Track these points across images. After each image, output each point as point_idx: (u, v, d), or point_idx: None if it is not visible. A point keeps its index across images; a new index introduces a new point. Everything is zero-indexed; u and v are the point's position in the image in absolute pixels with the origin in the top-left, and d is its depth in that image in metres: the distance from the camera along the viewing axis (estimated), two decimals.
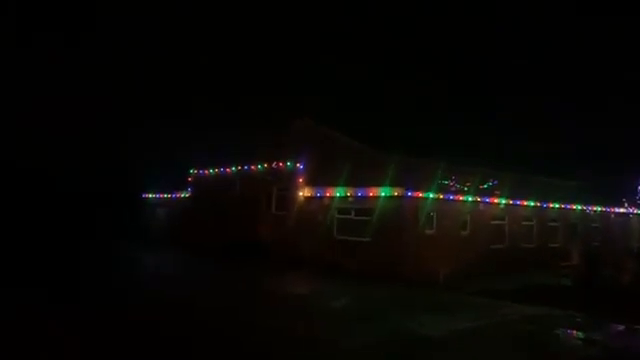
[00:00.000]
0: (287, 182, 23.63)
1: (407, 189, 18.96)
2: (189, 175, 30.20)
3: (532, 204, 24.00)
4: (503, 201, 22.74)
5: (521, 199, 23.60)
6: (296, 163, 23.40)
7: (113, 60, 60.45)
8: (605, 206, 28.22)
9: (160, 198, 33.71)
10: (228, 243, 24.93)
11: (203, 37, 62.95)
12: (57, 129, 47.43)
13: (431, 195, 19.57)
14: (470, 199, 21.26)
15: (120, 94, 56.63)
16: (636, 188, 30.88)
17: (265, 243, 23.49)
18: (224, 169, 27.72)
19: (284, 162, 23.94)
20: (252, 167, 25.83)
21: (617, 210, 29.05)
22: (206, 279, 18.34)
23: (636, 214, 30.14)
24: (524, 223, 23.80)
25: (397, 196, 19.07)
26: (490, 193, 23.00)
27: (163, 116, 52.23)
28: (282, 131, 25.62)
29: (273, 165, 24.56)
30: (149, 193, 34.84)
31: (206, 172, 29.11)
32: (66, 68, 56.11)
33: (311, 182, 22.91)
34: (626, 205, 29.66)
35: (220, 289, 15.94)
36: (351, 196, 20.78)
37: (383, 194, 19.49)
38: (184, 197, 30.77)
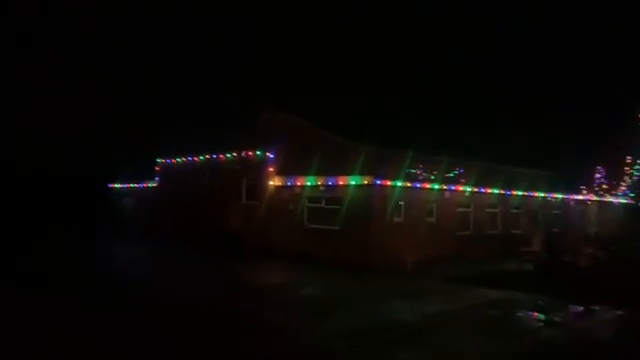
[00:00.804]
0: (257, 171, 23.56)
1: (376, 178, 19.23)
2: (157, 164, 29.71)
3: (496, 192, 24.72)
4: (468, 189, 23.32)
5: (486, 187, 24.24)
6: (266, 152, 23.34)
7: (79, 46, 58.51)
8: (565, 194, 29.29)
9: (127, 188, 33.07)
10: (198, 233, 24.75)
11: (173, 24, 61.57)
12: (20, 118, 45.72)
13: (399, 184, 19.93)
14: (437, 187, 21.73)
15: (87, 84, 54.92)
16: (594, 176, 32.19)
17: (236, 233, 23.42)
18: (192, 158, 27.38)
19: (254, 151, 23.84)
20: (221, 156, 25.60)
21: (576, 197, 30.19)
22: (175, 269, 18.21)
23: (594, 201, 31.41)
24: (488, 210, 24.49)
25: (367, 185, 19.32)
26: (456, 181, 23.57)
27: (129, 104, 51.03)
28: (252, 120, 25.46)
29: (243, 154, 24.42)
30: (115, 183, 34.12)
31: (174, 161, 28.69)
32: (30, 53, 53.96)
33: (282, 171, 22.93)
34: (584, 193, 30.88)
35: (190, 279, 15.87)
36: (322, 185, 20.92)
37: (353, 183, 19.71)
38: (152, 187, 30.28)
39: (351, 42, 57.99)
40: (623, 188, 24.53)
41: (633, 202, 25.89)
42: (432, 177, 22.82)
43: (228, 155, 25.18)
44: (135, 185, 32.14)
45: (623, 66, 54.21)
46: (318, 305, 12.15)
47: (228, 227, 23.94)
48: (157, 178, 29.80)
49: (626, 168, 22.29)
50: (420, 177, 22.62)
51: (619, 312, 12.00)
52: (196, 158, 27.13)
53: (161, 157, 29.48)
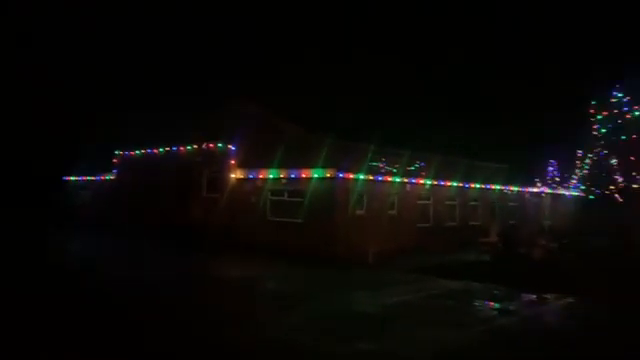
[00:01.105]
0: (219, 164, 23.28)
1: (339, 171, 19.34)
2: (115, 156, 28.91)
3: (455, 185, 25.29)
4: (429, 182, 23.77)
5: (445, 180, 24.77)
6: (228, 144, 23.08)
7: (33, 33, 55.98)
8: (521, 186, 30.26)
9: (83, 180, 32.05)
10: (158, 227, 24.27)
11: (135, 12, 59.71)
12: None
13: (362, 176, 20.11)
14: (398, 180, 22.04)
15: (41, 73, 52.64)
16: (547, 169, 33.41)
17: (197, 226, 23.09)
18: (152, 150, 26.79)
19: (215, 143, 23.53)
20: (182, 148, 25.15)
21: (531, 190, 31.25)
22: (132, 263, 17.80)
23: (547, 194, 32.59)
24: (448, 203, 25.05)
25: (329, 177, 19.40)
26: (417, 175, 23.97)
27: (87, 94, 49.24)
28: (214, 112, 25.09)
29: (204, 146, 24.06)
30: (71, 175, 33.00)
31: (133, 153, 28.00)
32: None
33: (244, 164, 22.73)
34: (539, 185, 32.01)
35: (148, 273, 15.54)
36: (284, 178, 20.88)
37: (316, 175, 19.75)
38: (110, 179, 29.47)
39: (315, 36, 57.85)
40: (574, 181, 25.59)
41: (584, 195, 27.01)
42: (394, 170, 23.15)
43: (189, 147, 24.78)
44: (92, 178, 31.21)
45: (575, 62, 56.27)
46: (281, 298, 12.15)
47: (188, 221, 23.58)
48: (115, 170, 29.03)
49: (577, 162, 23.24)
50: (382, 170, 22.91)
51: (569, 300, 12.54)
52: (156, 150, 26.57)
53: (119, 149, 28.72)
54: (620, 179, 20.67)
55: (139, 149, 27.51)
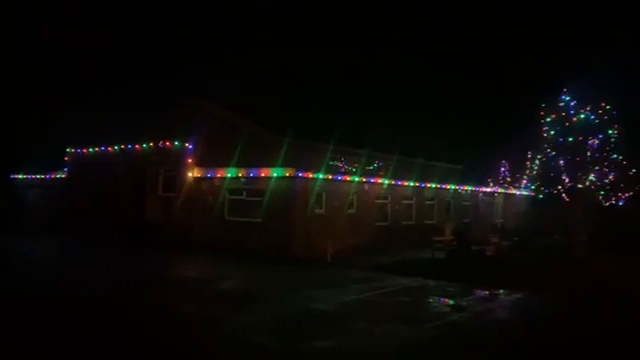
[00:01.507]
0: (175, 163, 22.86)
1: (298, 170, 19.38)
2: (66, 154, 27.90)
3: (412, 184, 25.80)
4: (386, 181, 24.16)
5: (402, 180, 25.24)
6: (185, 143, 22.70)
7: None
8: (474, 186, 31.19)
9: (32, 179, 30.74)
10: (112, 227, 23.59)
11: (90, 9, 57.68)
12: None
13: (321, 176, 20.23)
14: (357, 179, 22.30)
15: None
16: (500, 170, 34.60)
17: (152, 226, 22.62)
18: (106, 148, 26.00)
19: (172, 142, 23.10)
20: (137, 146, 24.54)
21: (484, 190, 32.26)
22: (84, 264, 17.25)
23: (500, 193, 33.73)
24: (405, 202, 25.52)
25: (289, 177, 19.41)
26: (375, 174, 24.34)
27: (38, 88, 47.21)
28: (170, 110, 24.62)
29: (160, 144, 23.57)
30: (19, 174, 31.59)
31: (85, 151, 27.10)
32: None
33: (201, 162, 22.42)
34: (491, 185, 33.08)
35: (101, 274, 15.11)
36: (243, 177, 20.74)
37: (275, 175, 19.72)
38: (60, 178, 28.41)
39: (272, 34, 57.65)
40: (524, 181, 26.60)
41: (534, 194, 28.12)
42: (354, 170, 23.44)
43: (144, 145, 24.21)
44: (42, 176, 29.99)
45: (526, 66, 58.42)
46: (237, 297, 12.08)
47: (144, 221, 23.08)
48: (66, 169, 28.02)
49: (527, 163, 24.15)
50: (342, 170, 23.16)
51: (518, 295, 13.05)
52: (110, 148, 25.81)
53: (71, 146, 27.73)
54: (567, 179, 21.60)
55: (92, 147, 26.66)
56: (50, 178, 29.33)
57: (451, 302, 12.10)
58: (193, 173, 22.38)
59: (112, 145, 25.60)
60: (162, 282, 14.20)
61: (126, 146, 24.99)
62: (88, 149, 26.90)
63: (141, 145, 24.33)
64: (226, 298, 12.11)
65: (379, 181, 23.83)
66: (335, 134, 23.29)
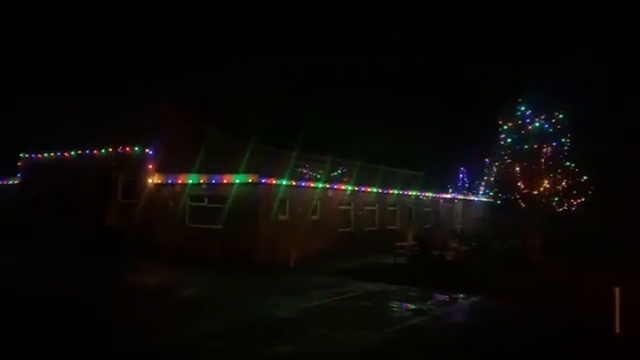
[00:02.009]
0: (135, 168, 22.39)
1: (262, 176, 19.31)
2: (19, 159, 26.86)
3: (375, 190, 26.10)
4: (350, 188, 24.37)
5: (365, 186, 25.51)
6: (145, 148, 22.27)
7: None
8: (435, 192, 31.82)
9: None
10: (69, 233, 22.80)
11: (49, 8, 55.87)
12: None
13: (284, 182, 20.21)
14: (320, 186, 22.40)
15: None
16: (459, 176, 35.47)
17: (111, 233, 22.02)
18: (62, 153, 25.19)
19: (132, 147, 22.61)
20: (95, 152, 23.90)
21: (445, 196, 32.96)
22: (38, 271, 16.60)
23: (459, 199, 34.53)
24: (368, 208, 25.79)
25: (252, 183, 19.32)
26: (338, 180, 24.51)
27: None
28: (130, 114, 24.12)
29: (119, 150, 23.04)
30: None
31: (40, 156, 26.16)
32: None
33: (162, 168, 22.04)
34: (451, 191, 33.83)
35: (56, 281, 14.58)
36: (204, 183, 20.51)
37: (237, 181, 19.59)
38: (13, 184, 27.31)
39: (240, 41, 57.43)
40: (482, 188, 27.36)
41: (492, 200, 28.94)
42: (318, 176, 23.56)
43: (103, 151, 23.61)
44: None
45: (483, 74, 60.29)
46: (197, 305, 11.89)
47: (103, 228, 22.44)
48: (20, 174, 26.96)
49: (485, 170, 24.87)
50: (306, 176, 23.22)
51: (476, 299, 13.38)
52: (67, 153, 25.02)
53: (25, 152, 26.72)
54: (522, 186, 22.33)
55: (48, 152, 25.78)
56: (2, 184, 28.20)
57: (412, 306, 12.29)
58: (154, 179, 21.97)
59: (69, 150, 24.84)
60: (119, 290, 13.82)
61: (84, 151, 24.30)
62: (43, 154, 26.00)
63: (100, 150, 23.72)
64: (185, 305, 11.90)
65: (343, 187, 24.02)
66: (300, 141, 23.38)
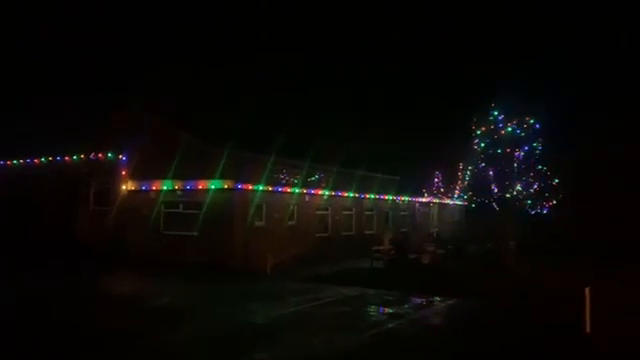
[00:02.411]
0: (108, 175, 21.99)
1: (238, 182, 19.17)
2: None
3: (352, 195, 26.18)
4: (327, 193, 24.38)
5: (342, 191, 25.56)
6: (118, 154, 21.89)
7: None
8: (411, 196, 32.08)
9: None
10: (39, 243, 22.20)
11: (17, 9, 54.48)
12: None
13: (261, 187, 20.10)
14: (297, 191, 22.35)
15: None
16: (433, 180, 35.89)
17: (84, 242, 21.53)
18: (32, 160, 24.56)
19: (104, 153, 22.20)
20: (66, 158, 23.37)
21: (420, 200, 33.27)
22: (15, 284, 16.11)
23: (435, 203, 34.89)
24: (345, 213, 25.84)
25: (227, 189, 19.16)
26: (315, 185, 24.50)
27: None
28: (103, 120, 23.69)
29: (92, 156, 22.58)
30: None
31: (9, 163, 25.45)
32: None
33: (136, 175, 21.68)
34: (426, 195, 34.17)
35: (25, 292, 14.16)
36: (179, 189, 20.25)
37: (213, 187, 19.40)
38: None
39: (215, 45, 57.11)
40: (457, 191, 27.75)
41: (467, 204, 29.34)
42: (296, 181, 23.51)
43: (75, 157, 23.11)
44: None
45: (457, 79, 61.25)
46: (172, 314, 11.68)
47: (75, 236, 21.93)
48: None
49: (459, 173, 25.26)
50: (283, 181, 23.14)
51: (451, 302, 13.49)
52: (37, 160, 24.41)
53: None
54: (496, 189, 22.73)
55: (16, 159, 25.10)
56: None
57: (389, 310, 12.33)
58: (127, 186, 21.61)
59: (39, 157, 24.24)
60: (91, 300, 13.49)
61: (54, 158, 23.74)
62: (12, 161, 25.30)
63: (71, 157, 23.22)
64: (159, 315, 11.68)
65: (320, 192, 24.01)
66: (276, 146, 23.27)
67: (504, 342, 9.54)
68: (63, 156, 23.42)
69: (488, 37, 62.30)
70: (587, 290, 9.98)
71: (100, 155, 22.33)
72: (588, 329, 9.79)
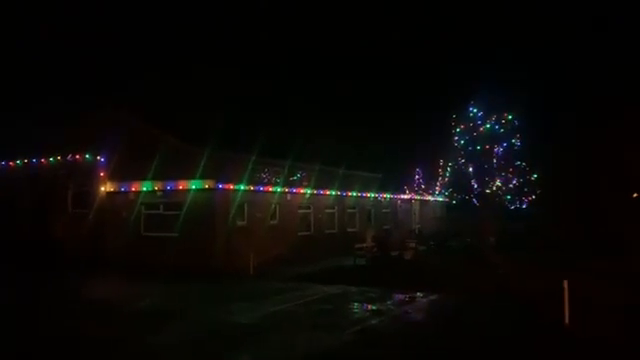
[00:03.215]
0: (86, 177, 21.61)
1: (218, 182, 19.02)
2: None
3: (334, 193, 26.19)
4: (309, 191, 24.35)
5: (324, 189, 25.55)
6: (97, 156, 21.54)
7: None
8: (393, 194, 32.24)
9: None
10: (16, 248, 21.71)
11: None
12: None
13: (242, 187, 19.98)
14: (279, 190, 22.27)
15: None
16: (415, 177, 36.16)
17: (61, 245, 21.12)
18: (6, 163, 24.00)
19: (82, 155, 21.82)
20: (42, 160, 22.91)
21: (402, 197, 33.46)
22: None
23: (416, 200, 35.13)
24: (327, 211, 25.84)
25: (208, 189, 19.00)
26: (298, 184, 24.46)
27: None
28: (81, 121, 23.24)
29: (69, 158, 22.18)
30: None
31: None
32: None
33: (115, 176, 21.34)
34: (408, 192, 34.40)
35: (9, 300, 13.87)
36: (159, 190, 20.01)
37: (194, 187, 19.22)
38: None
39: (196, 47, 56.53)
40: (438, 188, 28.04)
41: (448, 200, 29.60)
42: (278, 180, 23.42)
43: (51, 159, 22.66)
44: None
45: (438, 79, 61.70)
46: (153, 316, 11.53)
47: (52, 240, 21.49)
48: None
49: (440, 170, 25.52)
50: (265, 180, 23.04)
51: (433, 297, 13.61)
52: (11, 163, 23.87)
53: None
54: (476, 185, 23.02)
55: None
56: None
57: (371, 307, 12.37)
58: (106, 187, 21.27)
59: (14, 160, 23.71)
60: (69, 304, 13.25)
61: (30, 160, 23.25)
62: None
63: (47, 159, 22.77)
64: (140, 318, 11.53)
65: (302, 191, 23.97)
66: (257, 145, 23.15)
67: (485, 335, 9.65)
68: (39, 158, 22.95)
69: (468, 34, 62.94)
70: (565, 283, 10.15)
71: (78, 156, 21.94)
72: (567, 321, 9.96)
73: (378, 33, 64.85)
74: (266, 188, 21.73)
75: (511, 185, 23.34)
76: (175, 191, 19.62)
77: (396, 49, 64.64)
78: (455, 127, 23.72)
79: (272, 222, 21.72)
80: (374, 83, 61.20)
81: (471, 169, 23.23)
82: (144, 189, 20.27)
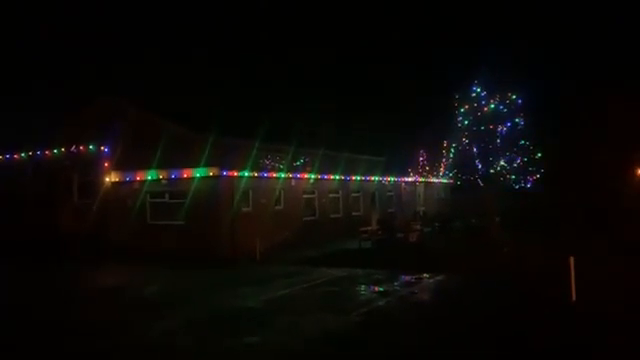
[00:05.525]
0: (91, 167, 21.69)
1: (223, 169, 19.06)
2: None
3: (338, 178, 26.19)
4: (313, 176, 24.36)
5: (328, 174, 25.55)
6: (100, 146, 21.59)
7: None
8: (396, 176, 32.21)
9: None
10: (23, 239, 21.89)
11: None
12: None
13: (247, 174, 20.01)
14: (283, 176, 22.30)
15: None
16: (418, 159, 36.05)
17: (68, 236, 21.28)
18: (11, 156, 24.11)
19: (86, 145, 21.87)
20: (47, 152, 23.00)
21: (406, 179, 33.42)
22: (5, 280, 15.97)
23: (420, 182, 35.09)
24: (331, 195, 25.87)
25: (213, 176, 19.05)
26: (302, 169, 24.45)
27: None
28: (84, 112, 23.27)
29: (73, 149, 22.24)
30: None
31: None
32: None
33: (119, 166, 21.42)
34: (412, 174, 34.34)
35: (19, 287, 14.06)
36: (164, 178, 20.08)
37: (198, 175, 19.28)
38: None
39: (196, 34, 56.24)
40: (442, 169, 27.94)
41: (452, 181, 29.54)
42: (281, 166, 23.43)
43: (55, 151, 22.74)
44: None
45: (443, 58, 61.21)
46: (163, 302, 11.69)
47: (59, 230, 21.66)
48: None
49: (444, 151, 25.35)
50: (269, 166, 23.05)
51: (439, 278, 13.67)
52: (16, 155, 23.96)
53: None
54: (480, 165, 22.88)
55: None
56: None
57: (378, 289, 12.45)
58: (110, 177, 21.36)
59: (19, 152, 23.81)
60: (79, 292, 13.44)
61: (34, 152, 23.34)
62: None
63: (51, 150, 22.85)
64: (148, 303, 11.69)
65: (306, 176, 23.98)
66: (260, 131, 23.12)
67: (493, 315, 9.69)
68: (43, 150, 23.04)
69: (469, 14, 62.23)
70: (571, 260, 10.16)
71: (81, 147, 22.00)
72: (574, 297, 10.00)
73: (378, 14, 64.24)
74: (270, 174, 21.76)
75: (515, 164, 23.19)
76: (180, 179, 19.69)
77: (400, 30, 64.04)
78: (458, 107, 23.51)
79: (277, 208, 21.79)
80: (377, 65, 60.78)
81: (475, 149, 23.06)
82: (149, 178, 20.34)
